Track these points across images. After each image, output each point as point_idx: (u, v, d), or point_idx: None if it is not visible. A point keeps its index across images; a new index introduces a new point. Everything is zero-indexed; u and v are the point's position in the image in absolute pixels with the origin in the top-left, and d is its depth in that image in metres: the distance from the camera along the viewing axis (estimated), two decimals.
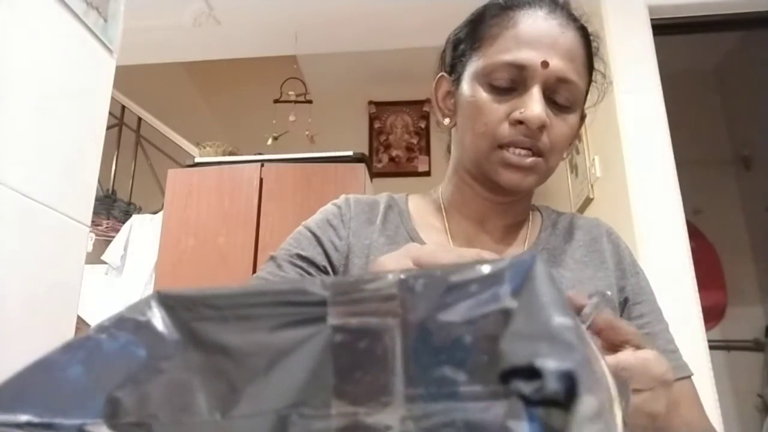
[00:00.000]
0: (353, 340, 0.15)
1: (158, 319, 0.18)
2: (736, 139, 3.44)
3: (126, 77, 1.67)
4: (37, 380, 0.17)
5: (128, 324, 0.18)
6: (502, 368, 0.14)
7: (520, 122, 0.61)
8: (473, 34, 0.67)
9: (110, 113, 1.30)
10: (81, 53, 1.10)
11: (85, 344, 0.18)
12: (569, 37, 0.63)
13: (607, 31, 2.02)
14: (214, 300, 0.17)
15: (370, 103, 3.91)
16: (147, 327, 0.18)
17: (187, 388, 0.16)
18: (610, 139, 2.00)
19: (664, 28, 2.08)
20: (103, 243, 2.94)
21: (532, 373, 0.13)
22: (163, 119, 3.39)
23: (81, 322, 2.69)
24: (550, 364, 0.13)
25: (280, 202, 2.24)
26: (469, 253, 0.34)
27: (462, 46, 0.69)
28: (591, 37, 0.68)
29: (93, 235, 2.72)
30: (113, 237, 2.90)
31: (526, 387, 0.13)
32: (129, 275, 2.78)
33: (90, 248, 2.47)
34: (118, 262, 2.81)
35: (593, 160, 2.15)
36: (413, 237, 0.70)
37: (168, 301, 0.18)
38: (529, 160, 0.62)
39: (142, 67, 2.76)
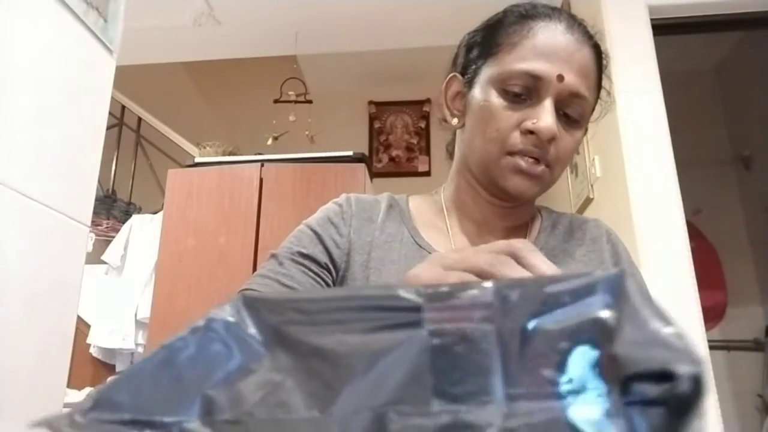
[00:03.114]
0: (451, 343, 0.16)
1: (247, 322, 0.18)
2: (736, 139, 3.44)
3: (126, 77, 1.67)
4: (137, 381, 0.18)
5: (218, 325, 0.18)
6: (628, 372, 0.15)
7: (531, 132, 0.62)
8: (490, 39, 0.68)
9: (110, 113, 1.30)
10: (81, 53, 1.10)
11: (179, 345, 0.18)
12: (585, 54, 0.64)
13: (607, 31, 2.02)
14: (303, 304, 0.18)
15: (370, 103, 3.91)
16: (236, 328, 0.18)
17: (281, 387, 0.17)
18: (610, 139, 2.00)
19: (664, 28, 2.08)
20: (103, 243, 2.94)
21: (658, 376, 0.15)
22: (163, 119, 3.39)
23: (81, 322, 2.69)
24: (684, 369, 0.15)
25: (280, 202, 2.24)
26: (496, 258, 0.35)
27: (477, 50, 0.69)
28: (602, 56, 0.69)
29: (93, 235, 2.72)
30: (113, 237, 2.90)
31: (652, 389, 0.15)
32: (129, 275, 2.78)
33: (90, 248, 2.47)
34: (118, 262, 2.81)
35: (593, 160, 2.15)
36: (414, 236, 0.70)
37: (254, 304, 0.18)
38: (539, 168, 0.63)
39: (142, 67, 2.76)
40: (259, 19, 2.72)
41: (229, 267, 2.16)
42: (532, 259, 0.33)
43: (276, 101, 3.21)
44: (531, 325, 0.16)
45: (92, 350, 2.78)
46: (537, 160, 0.63)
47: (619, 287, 0.17)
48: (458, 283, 0.18)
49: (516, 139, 0.63)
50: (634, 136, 1.91)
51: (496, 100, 0.64)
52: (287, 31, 2.80)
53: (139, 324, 2.70)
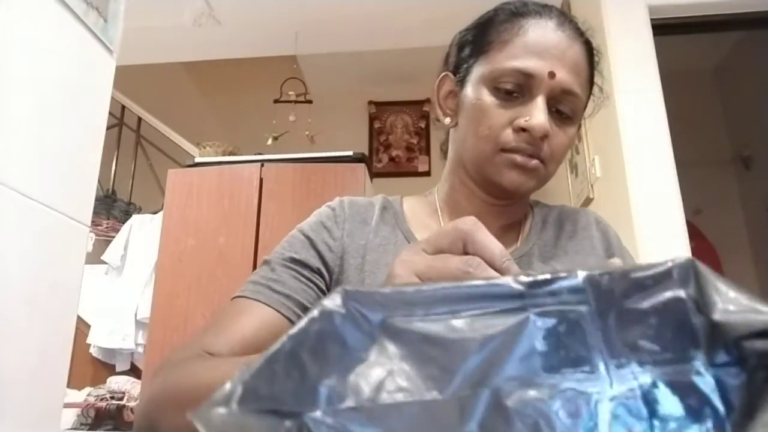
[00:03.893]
0: (554, 325, 0.19)
1: (354, 313, 0.19)
2: (736, 139, 3.44)
3: (126, 77, 1.67)
4: (271, 371, 0.19)
5: (330, 316, 0.19)
6: (735, 335, 0.18)
7: (524, 130, 0.62)
8: (482, 37, 0.68)
9: (110, 113, 1.30)
10: (81, 53, 1.10)
11: (301, 336, 0.19)
12: (576, 51, 0.64)
13: (607, 31, 2.02)
14: (408, 296, 0.19)
15: (370, 103, 3.91)
16: (346, 319, 0.19)
17: (397, 373, 0.18)
18: (610, 139, 2.00)
19: (664, 28, 2.08)
20: (103, 243, 2.94)
21: (758, 335, 0.17)
22: (163, 119, 3.39)
23: (81, 322, 2.69)
24: None
25: (280, 202, 2.24)
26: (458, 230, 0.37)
27: (469, 48, 0.69)
28: (594, 52, 0.70)
29: (93, 235, 2.72)
30: (113, 237, 2.90)
31: (763, 344, 0.17)
32: (129, 275, 2.78)
33: (90, 248, 2.47)
34: (118, 262, 2.81)
35: (593, 160, 2.15)
36: (408, 238, 0.70)
37: (357, 296, 0.20)
38: (533, 162, 0.63)
39: (142, 67, 2.76)
40: (259, 19, 2.72)
41: (229, 267, 2.16)
42: (479, 238, 0.35)
43: (276, 101, 3.21)
44: (623, 305, 0.19)
45: (92, 350, 2.78)
46: (530, 156, 0.63)
47: (694, 269, 0.20)
48: (553, 272, 0.20)
49: (509, 136, 0.63)
50: (634, 136, 1.91)
51: (488, 98, 0.64)
52: (287, 31, 2.80)
53: (139, 324, 2.70)
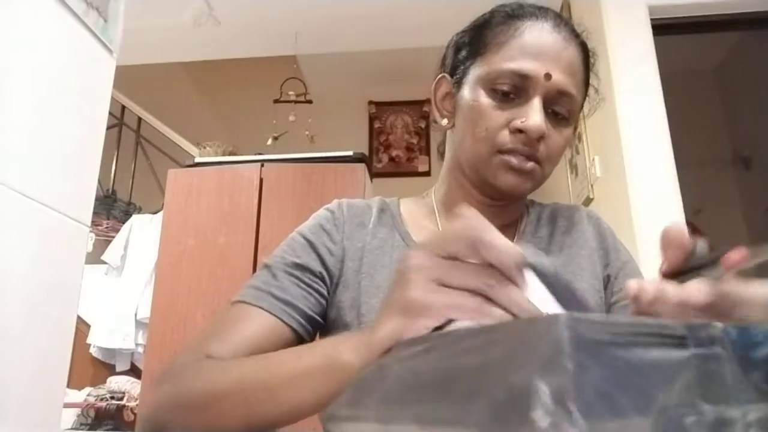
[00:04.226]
0: (705, 363, 0.23)
1: (577, 338, 0.23)
2: (736, 139, 3.44)
3: (126, 77, 1.67)
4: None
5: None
6: None
7: (520, 131, 0.62)
8: (478, 39, 0.68)
9: (110, 113, 1.30)
10: (81, 53, 1.10)
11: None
12: (572, 52, 0.65)
13: (607, 31, 2.02)
14: (608, 327, 0.23)
15: (370, 103, 3.91)
16: (576, 343, 0.23)
17: (614, 395, 0.21)
18: (610, 139, 2.00)
19: (664, 28, 2.08)
20: (103, 243, 2.94)
21: None
22: (163, 119, 3.40)
23: (81, 322, 2.69)
24: None
25: (280, 202, 2.24)
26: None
27: (465, 50, 0.70)
28: (589, 53, 0.70)
29: (93, 235, 2.72)
30: (113, 237, 2.90)
31: None
32: (129, 275, 2.79)
33: (90, 248, 2.47)
34: (118, 262, 2.81)
35: (593, 160, 2.15)
36: (406, 239, 0.70)
37: (571, 322, 0.23)
38: (529, 164, 0.64)
39: (142, 67, 2.76)
40: (259, 19, 2.72)
41: (229, 267, 2.16)
42: (491, 243, 0.34)
43: (276, 101, 3.21)
44: (749, 353, 0.24)
45: (92, 350, 2.79)
46: (527, 158, 0.63)
47: None
48: (701, 321, 0.25)
49: (505, 137, 0.63)
50: (634, 136, 1.91)
51: (484, 99, 0.64)
52: (287, 31, 2.80)
53: (139, 324, 2.70)
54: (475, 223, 0.35)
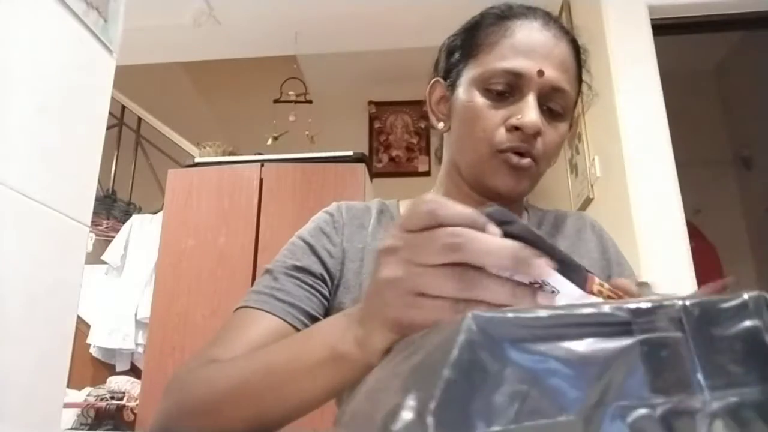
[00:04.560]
0: (656, 350, 0.21)
1: (488, 340, 0.21)
2: (736, 139, 3.44)
3: (126, 77, 1.67)
4: (441, 404, 0.21)
5: (470, 344, 0.21)
6: None
7: (517, 128, 0.63)
8: (470, 41, 0.69)
9: (110, 113, 1.30)
10: (81, 53, 1.10)
11: (456, 366, 0.21)
12: (563, 49, 0.66)
13: (607, 31, 2.02)
14: (527, 321, 0.22)
15: (370, 103, 3.91)
16: (484, 346, 0.21)
17: (529, 396, 0.20)
18: (610, 139, 2.00)
19: (664, 28, 2.08)
20: (103, 243, 2.94)
21: None
22: (163, 119, 3.40)
23: (81, 322, 2.69)
24: None
25: (280, 202, 2.24)
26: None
27: (457, 53, 0.70)
28: (580, 50, 0.71)
29: (93, 235, 2.72)
30: (113, 237, 2.90)
31: None
32: (129, 275, 2.78)
33: (90, 248, 2.47)
34: (118, 262, 2.81)
35: (593, 160, 2.15)
36: None
37: (487, 322, 0.22)
38: (526, 160, 0.64)
39: (142, 67, 2.76)
40: (259, 19, 2.72)
41: (229, 267, 2.16)
42: (448, 211, 0.34)
43: (276, 101, 3.21)
44: (711, 332, 0.22)
45: (92, 350, 2.79)
46: (523, 155, 0.64)
47: (766, 301, 0.23)
48: (654, 300, 0.23)
49: (502, 136, 0.64)
50: (634, 136, 1.91)
51: (479, 100, 0.65)
52: (287, 31, 2.80)
53: (139, 324, 2.70)
54: (427, 198, 0.35)
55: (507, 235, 0.32)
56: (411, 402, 0.20)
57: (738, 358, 0.21)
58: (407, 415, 0.20)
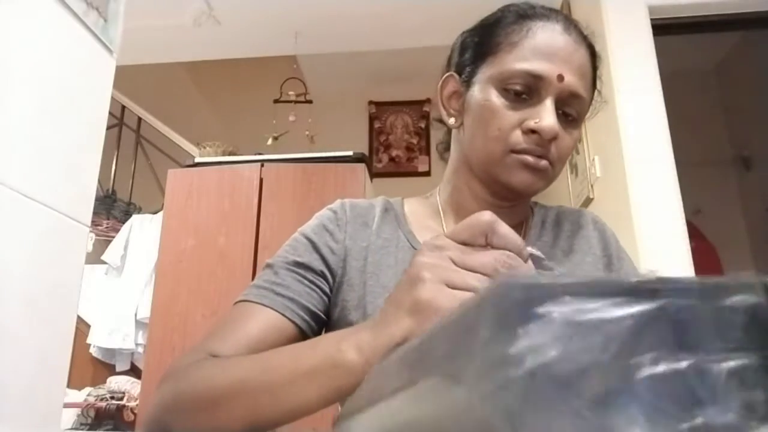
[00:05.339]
0: (680, 313, 0.22)
1: (519, 294, 0.22)
2: (736, 139, 3.44)
3: (126, 77, 1.67)
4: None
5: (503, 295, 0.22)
6: None
7: (533, 131, 0.63)
8: (489, 38, 0.68)
9: (110, 113, 1.30)
10: (81, 53, 1.10)
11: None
12: (582, 55, 0.66)
13: (607, 31, 2.02)
14: (571, 288, 0.23)
15: (370, 103, 3.91)
16: (513, 302, 0.22)
17: (571, 342, 0.21)
18: (610, 139, 2.00)
19: (664, 28, 2.08)
20: (103, 243, 2.94)
21: None
22: (163, 119, 3.39)
23: (81, 322, 2.69)
24: None
25: (280, 202, 2.24)
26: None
27: (475, 50, 0.70)
28: (596, 57, 0.71)
29: (93, 235, 2.72)
30: (113, 237, 2.90)
31: None
32: (129, 275, 2.78)
33: (90, 248, 2.47)
34: (118, 262, 2.81)
35: (593, 160, 2.15)
36: (410, 240, 0.70)
37: (513, 285, 0.22)
38: (543, 162, 0.64)
39: (142, 67, 2.76)
40: (259, 19, 2.72)
41: (229, 267, 2.16)
42: (502, 230, 0.37)
43: (276, 101, 3.21)
44: (724, 302, 0.23)
45: (92, 350, 2.79)
46: (540, 157, 0.64)
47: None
48: (676, 276, 0.24)
49: (518, 137, 0.63)
50: (634, 136, 1.91)
51: (496, 99, 0.64)
52: (287, 31, 2.80)
53: (139, 324, 2.70)
54: (486, 214, 0.37)
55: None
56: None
57: (744, 327, 0.23)
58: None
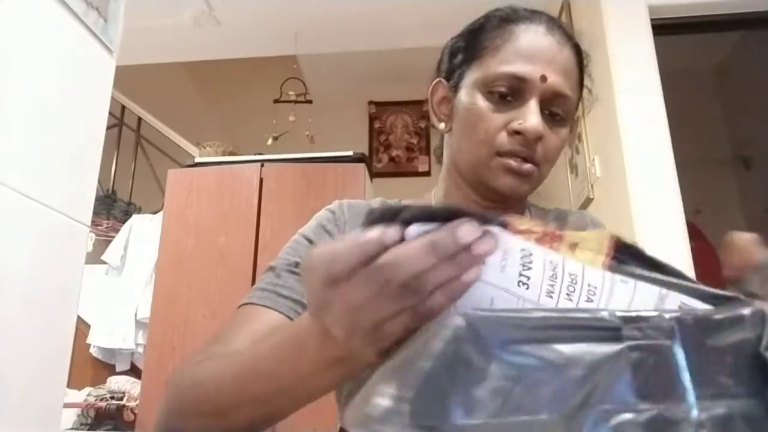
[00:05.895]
0: (645, 357, 0.21)
1: (476, 336, 0.22)
2: (736, 139, 3.44)
3: (126, 77, 1.67)
4: (421, 393, 0.21)
5: (456, 340, 0.22)
6: None
7: (518, 132, 0.63)
8: (474, 43, 0.69)
9: (110, 113, 1.30)
10: (81, 53, 1.10)
11: (439, 358, 0.22)
12: (566, 54, 0.66)
13: (607, 31, 2.02)
14: (519, 321, 0.22)
15: (370, 103, 3.91)
16: (470, 341, 0.22)
17: (513, 393, 0.20)
18: (610, 139, 2.00)
19: (664, 28, 2.08)
20: (103, 243, 2.94)
21: None
22: (163, 119, 3.39)
23: (81, 322, 2.69)
24: None
25: (280, 202, 2.24)
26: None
27: (461, 55, 0.71)
28: (582, 55, 0.71)
29: (93, 235, 2.73)
30: (113, 237, 2.90)
31: None
32: (129, 275, 2.78)
33: (90, 248, 2.47)
34: (118, 262, 2.81)
35: (593, 160, 2.15)
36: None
37: (477, 320, 0.22)
38: (526, 166, 0.65)
39: (142, 67, 2.76)
40: (259, 19, 2.72)
41: (229, 267, 2.16)
42: (346, 256, 0.31)
43: (276, 101, 3.21)
44: (705, 342, 0.21)
45: (92, 350, 2.78)
46: (524, 159, 0.65)
47: (764, 316, 0.22)
48: (647, 311, 0.22)
49: (503, 139, 0.64)
50: (634, 136, 1.91)
51: (482, 102, 0.66)
52: (287, 31, 2.80)
53: (139, 324, 2.70)
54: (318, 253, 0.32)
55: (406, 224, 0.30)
56: (390, 390, 0.21)
57: (730, 369, 0.21)
58: (385, 402, 0.21)
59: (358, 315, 0.31)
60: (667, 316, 0.22)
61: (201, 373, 0.52)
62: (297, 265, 0.66)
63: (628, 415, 0.20)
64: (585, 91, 0.73)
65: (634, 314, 0.22)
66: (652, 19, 2.05)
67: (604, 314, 0.22)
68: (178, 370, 0.56)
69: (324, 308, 0.33)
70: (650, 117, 1.94)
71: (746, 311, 0.22)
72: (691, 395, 0.20)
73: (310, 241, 0.69)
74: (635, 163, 1.88)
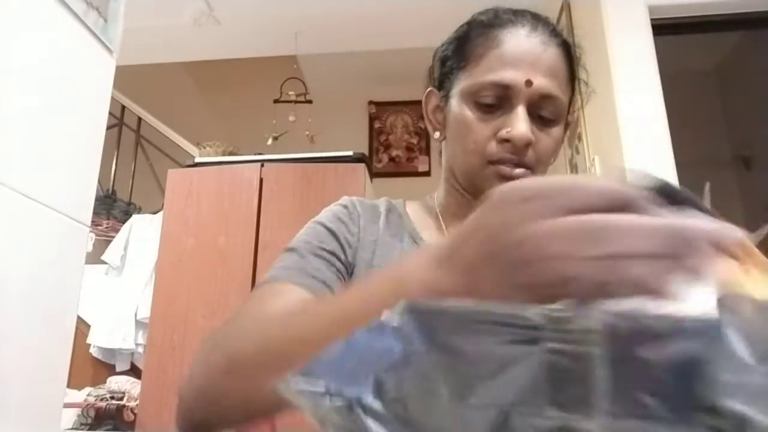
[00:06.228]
0: (564, 361, 0.19)
1: (409, 324, 0.23)
2: (736, 139, 3.44)
3: (126, 77, 1.67)
4: (330, 360, 0.23)
5: (388, 326, 0.23)
6: (711, 403, 0.18)
7: (507, 140, 0.63)
8: (459, 52, 0.69)
9: (110, 113, 1.30)
10: (81, 53, 1.10)
11: (358, 338, 0.24)
12: (551, 54, 0.66)
13: (607, 31, 2.02)
14: (451, 312, 0.22)
15: (370, 103, 3.91)
16: (401, 329, 0.23)
17: (432, 378, 0.21)
18: (610, 139, 2.00)
19: (664, 28, 2.08)
20: (103, 243, 2.94)
21: (730, 414, 0.17)
22: (163, 119, 3.40)
23: (81, 322, 2.69)
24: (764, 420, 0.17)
25: (280, 202, 2.24)
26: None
27: (449, 63, 0.71)
28: (573, 49, 0.70)
29: (93, 235, 2.72)
30: (113, 237, 2.90)
31: (727, 425, 0.17)
32: (129, 275, 2.78)
33: (90, 248, 2.47)
34: (118, 262, 2.81)
35: (593, 160, 2.15)
36: (415, 238, 0.71)
37: (415, 309, 0.23)
38: (519, 171, 0.64)
39: (142, 67, 2.76)
40: (259, 19, 2.72)
41: (229, 267, 2.16)
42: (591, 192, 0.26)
43: (276, 101, 3.21)
44: (633, 352, 0.19)
45: (92, 350, 2.78)
46: (516, 165, 0.64)
47: (716, 334, 0.19)
48: (573, 312, 0.20)
49: (494, 148, 0.64)
50: (634, 136, 1.91)
51: (469, 113, 0.66)
52: (287, 31, 2.80)
53: (139, 324, 2.70)
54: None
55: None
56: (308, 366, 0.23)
57: (656, 389, 0.18)
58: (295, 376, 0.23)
59: (550, 266, 0.24)
60: (599, 318, 0.20)
61: (257, 327, 0.47)
62: (321, 249, 0.63)
63: (535, 420, 0.19)
64: (582, 84, 0.73)
65: (562, 315, 0.20)
66: (652, 19, 2.05)
67: (529, 312, 0.21)
68: (211, 340, 0.51)
69: (510, 248, 0.25)
70: (650, 117, 1.94)
71: (691, 321, 0.19)
72: (600, 411, 0.18)
73: (329, 230, 0.67)
74: (635, 163, 1.88)
